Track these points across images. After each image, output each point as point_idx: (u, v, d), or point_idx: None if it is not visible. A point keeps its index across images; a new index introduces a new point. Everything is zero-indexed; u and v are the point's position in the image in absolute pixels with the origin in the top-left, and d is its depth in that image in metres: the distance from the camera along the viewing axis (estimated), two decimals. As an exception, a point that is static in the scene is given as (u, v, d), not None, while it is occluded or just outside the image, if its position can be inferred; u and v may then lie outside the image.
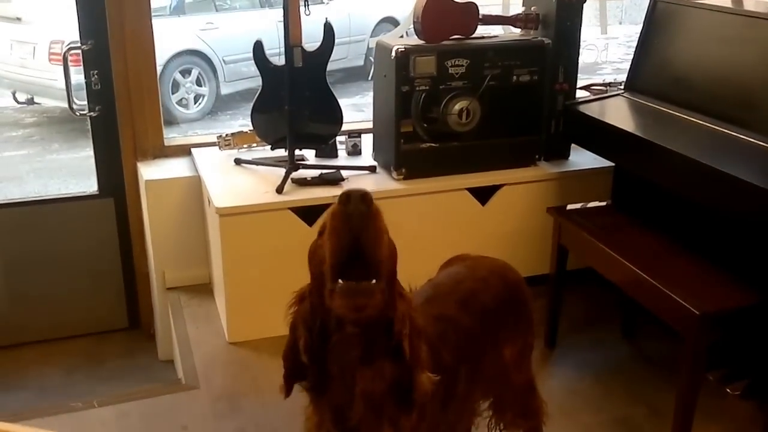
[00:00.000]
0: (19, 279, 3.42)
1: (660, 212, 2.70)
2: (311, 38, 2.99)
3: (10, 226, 3.37)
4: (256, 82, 3.10)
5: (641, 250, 2.52)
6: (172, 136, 3.57)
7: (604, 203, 3.02)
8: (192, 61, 7.02)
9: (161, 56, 6.88)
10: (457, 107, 3.03)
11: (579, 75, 3.28)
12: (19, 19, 6.63)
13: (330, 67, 3.04)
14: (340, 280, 1.27)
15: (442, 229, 3.09)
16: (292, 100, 2.95)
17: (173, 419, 2.56)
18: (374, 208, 1.26)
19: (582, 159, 3.28)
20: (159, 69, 6.88)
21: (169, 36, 6.87)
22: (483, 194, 3.14)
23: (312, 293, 1.39)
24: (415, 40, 3.01)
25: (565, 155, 3.33)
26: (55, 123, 6.85)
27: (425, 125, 3.09)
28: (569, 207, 2.94)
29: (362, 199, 1.24)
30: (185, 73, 6.99)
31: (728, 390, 2.60)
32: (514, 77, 3.07)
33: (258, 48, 2.97)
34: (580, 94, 3.36)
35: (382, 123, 3.13)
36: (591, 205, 3.01)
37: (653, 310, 2.35)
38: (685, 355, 2.21)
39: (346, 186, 2.96)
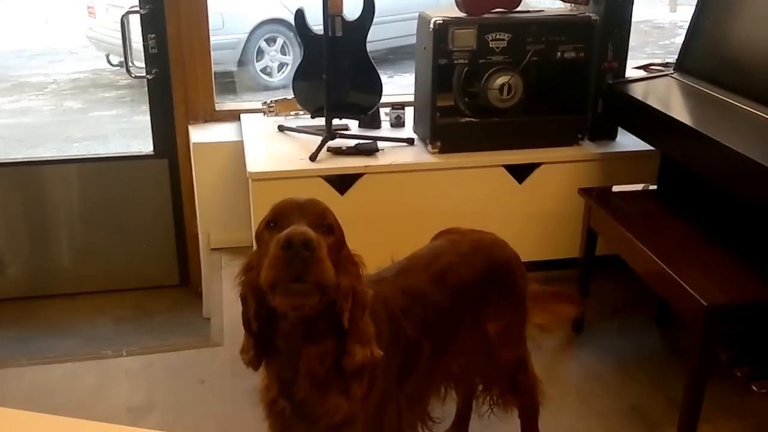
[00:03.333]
0: (79, 232, 3.62)
1: (701, 201, 2.58)
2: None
3: (73, 181, 3.57)
4: None
5: (667, 238, 2.43)
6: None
7: (649, 188, 2.91)
8: (277, 30, 7.14)
9: (247, 24, 7.08)
10: (498, 82, 2.98)
11: (646, 55, 3.15)
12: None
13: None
14: None
15: (476, 205, 3.06)
16: (331, 69, 2.97)
17: (193, 373, 2.67)
18: (316, 253, 1.24)
19: (630, 141, 3.15)
20: (244, 37, 7.08)
21: (256, 4, 7.03)
22: (520, 172, 3.08)
23: (258, 266, 1.38)
24: (456, 12, 2.97)
25: (612, 136, 3.21)
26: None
27: (466, 99, 3.07)
28: (614, 189, 2.86)
29: (304, 246, 1.22)
30: (270, 41, 7.12)
31: (754, 387, 2.48)
32: (559, 53, 2.99)
33: (299, 16, 3.01)
34: (636, 73, 3.24)
35: (421, 96, 3.12)
36: (633, 188, 2.92)
37: (667, 299, 2.27)
38: (692, 346, 2.13)
39: (381, 156, 3.02)
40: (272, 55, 7.13)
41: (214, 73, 3.46)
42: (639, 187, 3.00)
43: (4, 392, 2.58)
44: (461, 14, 2.94)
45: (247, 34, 6.99)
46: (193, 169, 3.39)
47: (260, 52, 7.13)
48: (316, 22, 3.03)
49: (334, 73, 2.99)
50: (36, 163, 3.62)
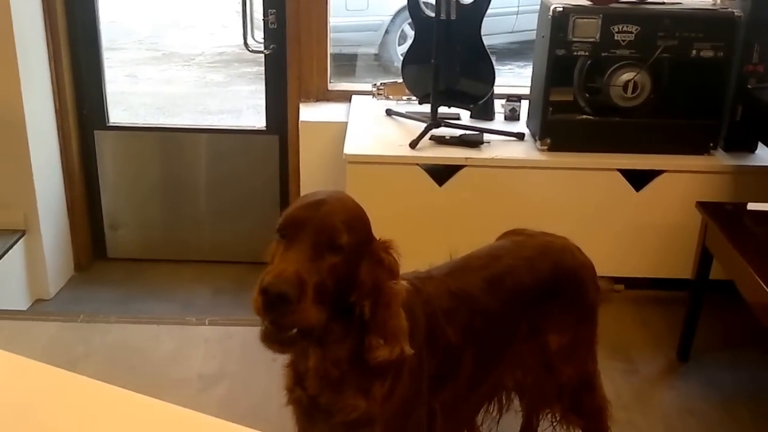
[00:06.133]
0: (191, 201, 3.69)
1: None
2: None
3: (189, 151, 3.64)
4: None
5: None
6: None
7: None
8: (420, 15, 7.03)
9: (392, 7, 7.04)
10: (622, 78, 2.76)
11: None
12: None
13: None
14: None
15: (583, 210, 2.84)
16: (441, 54, 2.83)
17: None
18: (294, 306, 1.19)
19: (772, 154, 2.83)
20: (388, 19, 7.07)
21: (400, -12, 6.97)
22: (639, 179, 2.83)
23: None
24: (580, 0, 2.75)
25: (750, 148, 2.89)
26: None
27: (587, 95, 2.85)
28: (749, 207, 2.55)
29: (279, 298, 1.17)
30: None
31: None
32: (694, 51, 2.71)
33: (412, -4, 2.89)
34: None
35: (535, 88, 2.92)
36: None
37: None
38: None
39: (485, 149, 2.86)
40: (414, 40, 7.03)
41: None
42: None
43: (88, 346, 2.65)
44: (586, 2, 2.72)
45: (391, 17, 6.92)
46: (299, 148, 3.36)
47: (403, 36, 7.06)
48: (431, 3, 2.90)
49: (445, 59, 2.85)
50: (158, 130, 3.71)
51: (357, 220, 1.32)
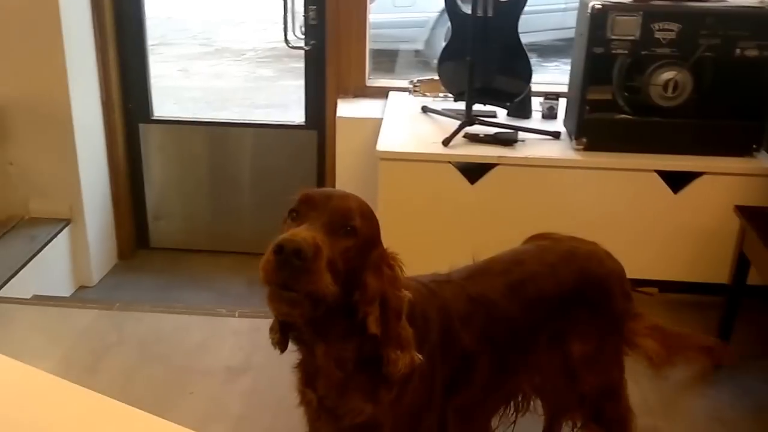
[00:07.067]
0: (231, 193, 3.75)
1: None
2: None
3: (228, 144, 3.69)
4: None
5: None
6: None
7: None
8: (468, 12, 7.00)
9: (438, 4, 7.00)
10: (662, 77, 2.70)
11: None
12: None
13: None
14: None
15: (618, 211, 2.79)
16: (476, 51, 2.81)
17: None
18: (308, 264, 1.14)
19: (818, 158, 2.74)
20: (434, 16, 7.06)
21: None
22: (677, 180, 2.77)
23: None
24: (620, -3, 2.70)
25: (796, 150, 2.79)
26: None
27: (626, 94, 2.80)
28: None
29: (295, 254, 1.12)
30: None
31: None
32: (738, 50, 2.63)
33: (450, -8, 2.88)
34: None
35: (573, 86, 2.88)
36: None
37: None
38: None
39: (519, 148, 2.83)
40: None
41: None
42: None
43: (121, 334, 2.71)
44: (625, -1, 2.67)
45: (438, 14, 6.90)
46: (336, 144, 3.38)
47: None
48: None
49: (481, 56, 2.83)
50: (199, 124, 3.77)
51: (369, 214, 1.30)
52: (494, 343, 1.54)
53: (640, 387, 2.40)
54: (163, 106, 3.66)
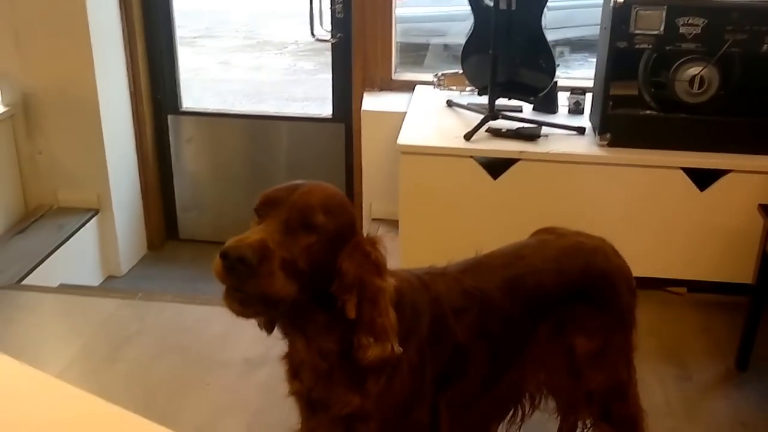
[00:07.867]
0: (256, 185, 3.71)
1: None
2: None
3: (256, 136, 3.73)
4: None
5: None
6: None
7: None
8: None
9: None
10: (688, 73, 2.64)
11: None
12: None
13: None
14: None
15: (642, 209, 2.73)
16: (499, 44, 2.78)
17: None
18: (254, 268, 1.13)
19: None
20: (467, 10, 7.02)
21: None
22: (703, 178, 2.70)
23: None
24: (645, -9, 2.63)
25: (829, 148, 2.70)
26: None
27: (652, 90, 2.74)
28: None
29: (239, 261, 1.13)
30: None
31: None
32: (765, 46, 2.55)
33: (472, -15, 2.85)
34: None
35: (597, 82, 2.83)
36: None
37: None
38: None
39: (542, 143, 2.79)
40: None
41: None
42: None
43: (142, 324, 2.76)
44: (651, -8, 2.61)
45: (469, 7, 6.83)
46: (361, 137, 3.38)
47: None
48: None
49: (504, 50, 2.79)
50: (228, 116, 3.82)
51: (337, 206, 1.28)
52: (489, 336, 1.52)
53: (665, 388, 2.38)
54: (202, 98, 3.70)
